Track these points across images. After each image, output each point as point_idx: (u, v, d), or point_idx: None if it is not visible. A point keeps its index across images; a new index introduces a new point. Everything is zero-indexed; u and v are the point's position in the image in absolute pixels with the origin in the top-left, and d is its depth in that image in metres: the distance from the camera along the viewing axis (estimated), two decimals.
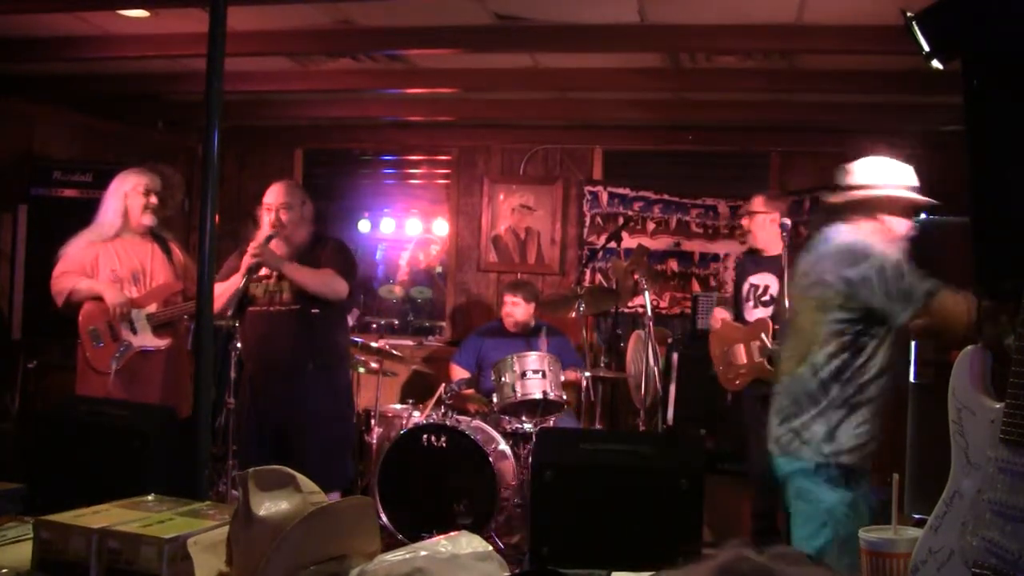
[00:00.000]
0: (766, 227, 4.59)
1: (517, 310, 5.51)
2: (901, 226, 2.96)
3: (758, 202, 4.69)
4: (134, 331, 4.12)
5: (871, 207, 2.94)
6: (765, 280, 4.60)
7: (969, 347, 1.97)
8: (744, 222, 4.79)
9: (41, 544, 1.67)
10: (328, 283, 4.07)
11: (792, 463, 2.91)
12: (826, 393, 2.84)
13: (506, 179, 6.73)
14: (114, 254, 4.20)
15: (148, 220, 4.24)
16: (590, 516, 2.53)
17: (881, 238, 2.90)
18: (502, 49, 4.85)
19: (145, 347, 4.13)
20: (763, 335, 4.39)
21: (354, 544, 1.60)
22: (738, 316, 4.71)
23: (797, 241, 4.83)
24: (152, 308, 4.18)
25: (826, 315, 2.85)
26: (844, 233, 2.93)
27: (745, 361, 4.52)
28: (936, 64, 2.10)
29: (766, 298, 4.58)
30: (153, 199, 4.24)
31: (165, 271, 4.28)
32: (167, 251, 4.32)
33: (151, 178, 4.27)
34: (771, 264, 4.49)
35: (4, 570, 1.65)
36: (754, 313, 4.61)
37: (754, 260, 4.75)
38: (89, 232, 4.24)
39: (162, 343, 4.18)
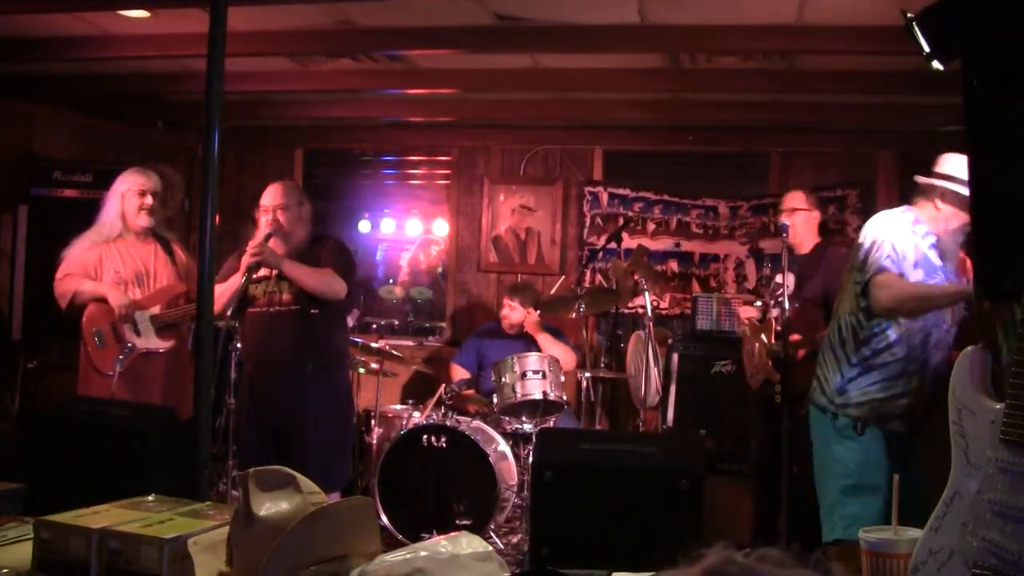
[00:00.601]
0: (803, 224, 4.53)
1: (513, 314, 5.52)
2: (956, 218, 3.13)
3: (800, 198, 4.59)
4: (138, 333, 4.12)
5: (933, 194, 3.17)
6: (787, 279, 4.58)
7: (969, 347, 1.97)
8: (785, 219, 4.54)
9: (41, 544, 1.67)
10: (327, 282, 4.07)
11: (815, 411, 3.23)
12: (843, 348, 3.17)
13: (506, 179, 6.73)
14: (117, 256, 4.20)
15: (144, 221, 4.23)
16: (590, 516, 2.53)
17: (932, 223, 3.16)
18: (502, 49, 4.85)
19: (149, 349, 4.13)
20: (763, 335, 4.39)
21: (354, 544, 1.60)
22: (763, 314, 4.70)
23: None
24: (156, 310, 4.18)
25: (850, 276, 3.22)
26: (892, 210, 3.25)
27: (756, 360, 4.51)
28: (936, 65, 2.10)
29: (782, 298, 4.56)
30: (149, 200, 4.22)
31: (168, 273, 4.27)
32: (170, 252, 4.32)
33: (147, 178, 4.26)
34: (795, 263, 4.43)
35: (4, 570, 1.65)
36: (772, 312, 4.60)
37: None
38: (92, 233, 4.23)
39: (165, 345, 4.18)
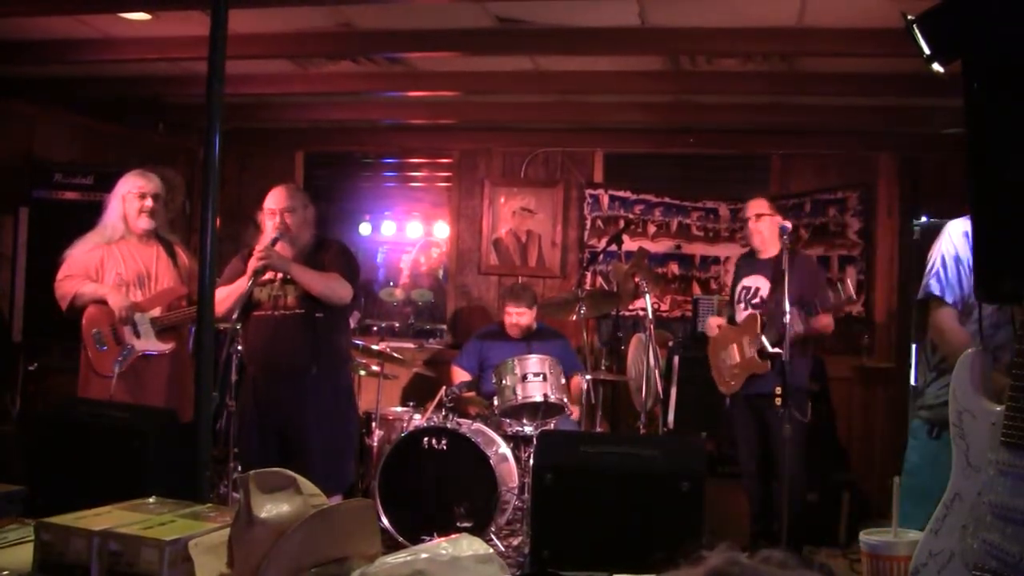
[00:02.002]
0: (768, 229, 4.61)
1: (522, 319, 5.49)
2: None
3: (763, 205, 4.71)
4: (138, 335, 4.12)
5: None
6: (756, 283, 4.62)
7: (969, 350, 1.97)
8: (752, 224, 4.70)
9: (42, 546, 1.67)
10: (333, 287, 4.07)
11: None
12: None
13: (507, 182, 6.73)
14: (119, 258, 4.20)
15: (145, 224, 4.22)
16: (591, 519, 2.53)
17: None
18: (503, 52, 4.86)
19: (148, 351, 4.13)
20: (754, 328, 4.43)
21: (355, 546, 1.60)
22: (731, 318, 4.74)
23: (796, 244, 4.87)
24: (156, 312, 4.17)
25: None
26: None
27: (738, 360, 4.54)
28: (937, 67, 2.10)
29: (755, 301, 4.60)
30: (150, 202, 4.22)
31: (170, 275, 4.27)
32: (172, 255, 4.31)
33: (148, 181, 4.25)
34: (764, 267, 4.52)
35: (5, 572, 1.65)
36: (743, 315, 4.63)
37: (749, 263, 4.76)
38: (95, 234, 4.23)
39: (166, 347, 4.18)
